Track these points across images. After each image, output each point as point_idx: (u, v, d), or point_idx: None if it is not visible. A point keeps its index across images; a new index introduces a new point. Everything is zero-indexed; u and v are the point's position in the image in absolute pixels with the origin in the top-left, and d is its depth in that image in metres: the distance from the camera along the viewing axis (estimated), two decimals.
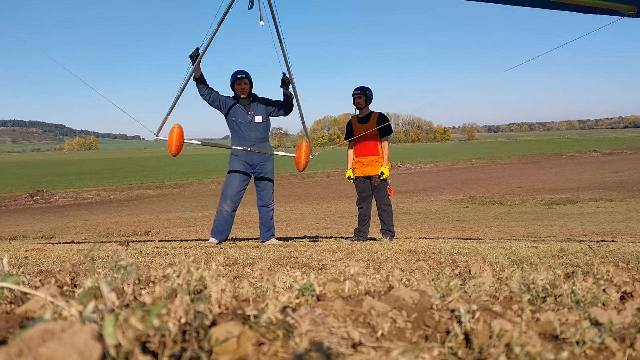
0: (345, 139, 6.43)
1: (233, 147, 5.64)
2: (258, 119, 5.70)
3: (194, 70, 5.31)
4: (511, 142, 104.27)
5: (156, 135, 5.19)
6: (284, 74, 5.70)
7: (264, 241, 5.70)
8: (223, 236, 5.71)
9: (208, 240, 5.78)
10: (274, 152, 5.93)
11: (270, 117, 5.87)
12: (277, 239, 5.98)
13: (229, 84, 5.78)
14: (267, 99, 5.85)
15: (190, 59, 5.30)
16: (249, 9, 4.65)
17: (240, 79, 5.62)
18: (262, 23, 4.71)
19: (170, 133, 5.11)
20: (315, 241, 5.90)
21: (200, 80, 5.49)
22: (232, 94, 5.77)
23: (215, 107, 5.72)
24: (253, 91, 5.80)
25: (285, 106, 5.85)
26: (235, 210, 5.77)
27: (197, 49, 5.25)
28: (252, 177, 5.80)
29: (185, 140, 5.20)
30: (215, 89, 5.62)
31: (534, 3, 4.23)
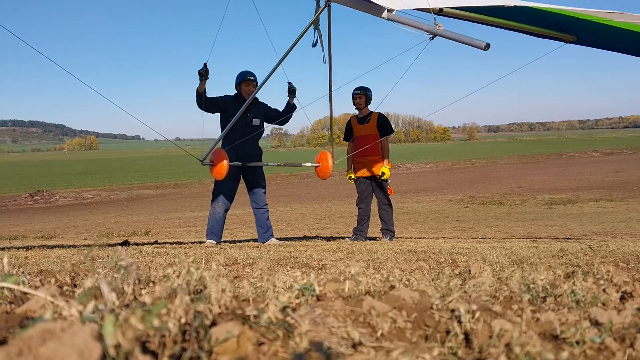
0: (345, 139, 6.44)
1: (269, 164, 5.74)
2: (255, 122, 5.69)
3: (200, 85, 5.35)
4: (511, 142, 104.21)
5: (202, 163, 5.29)
6: (289, 83, 5.77)
7: (263, 242, 5.71)
8: (218, 237, 5.74)
9: (205, 242, 5.80)
10: (303, 164, 6.09)
11: (264, 123, 5.89)
12: (277, 239, 5.99)
13: (234, 82, 5.75)
14: (268, 105, 5.87)
15: (199, 75, 5.31)
16: (313, 46, 4.97)
17: (249, 81, 5.62)
18: (325, 62, 5.13)
19: (219, 159, 5.14)
20: (315, 241, 5.90)
21: (202, 95, 5.44)
22: (230, 92, 5.79)
23: (218, 110, 5.70)
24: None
25: (283, 116, 5.89)
26: (227, 211, 5.79)
27: (205, 65, 5.30)
28: (242, 178, 5.80)
29: (230, 164, 5.28)
30: (210, 97, 5.55)
31: (496, 24, 4.57)
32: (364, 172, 6.17)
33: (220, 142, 5.43)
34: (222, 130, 5.74)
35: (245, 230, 9.70)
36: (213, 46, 5.25)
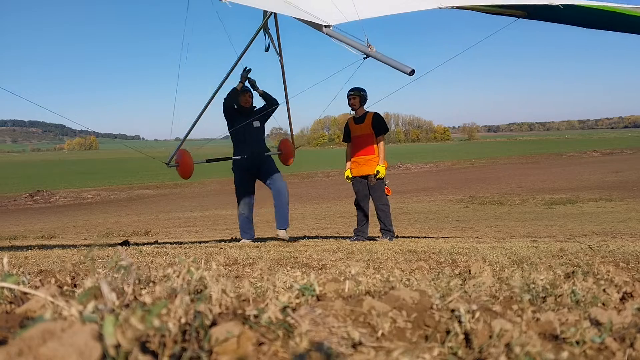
0: (343, 140, 6.56)
1: (234, 157, 6.23)
2: (256, 124, 6.24)
3: (239, 85, 6.09)
4: (511, 142, 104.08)
5: (168, 165, 5.53)
6: (249, 78, 6.25)
7: (278, 229, 6.09)
8: (250, 235, 6.25)
9: (241, 241, 6.23)
10: (266, 154, 6.44)
11: (266, 122, 6.44)
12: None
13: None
14: (261, 108, 6.36)
15: (242, 77, 6.07)
16: (265, 50, 5.39)
17: (244, 92, 6.22)
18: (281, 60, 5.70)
19: (183, 161, 5.56)
20: (315, 241, 5.92)
21: (234, 95, 6.10)
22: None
23: (226, 116, 6.28)
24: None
25: (267, 104, 6.38)
26: (252, 211, 6.29)
27: (247, 68, 6.01)
28: (258, 178, 6.25)
29: (195, 163, 5.70)
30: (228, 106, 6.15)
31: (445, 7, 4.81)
32: (360, 172, 6.22)
33: (184, 144, 5.93)
34: (232, 137, 6.28)
35: None
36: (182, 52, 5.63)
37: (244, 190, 6.20)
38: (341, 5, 3.98)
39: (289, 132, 7.12)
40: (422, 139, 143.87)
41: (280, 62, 5.75)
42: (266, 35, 5.27)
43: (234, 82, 6.16)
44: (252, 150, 6.12)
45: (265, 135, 6.54)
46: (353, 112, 6.29)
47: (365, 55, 4.05)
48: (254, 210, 6.38)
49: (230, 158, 6.22)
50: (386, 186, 6.23)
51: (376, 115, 6.20)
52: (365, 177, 6.19)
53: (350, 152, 6.33)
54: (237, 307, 0.98)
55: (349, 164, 6.37)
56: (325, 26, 3.88)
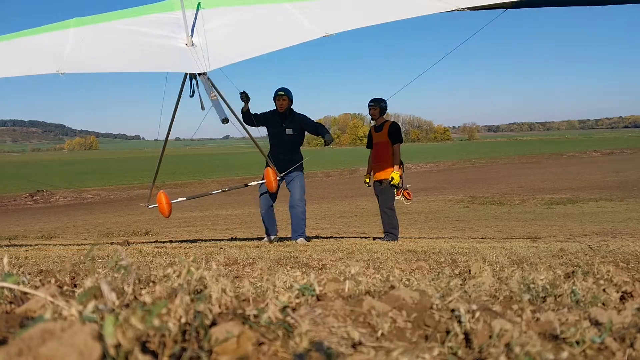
0: (367, 146, 6.96)
1: (213, 192, 6.73)
2: (289, 131, 6.28)
3: (245, 106, 6.20)
4: (511, 142, 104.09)
5: (147, 207, 5.90)
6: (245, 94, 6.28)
7: (295, 240, 6.08)
8: (271, 232, 6.31)
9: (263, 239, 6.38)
10: (248, 184, 6.78)
11: (305, 132, 6.47)
12: (278, 239, 6.15)
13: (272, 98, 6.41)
14: (306, 117, 6.40)
15: (242, 100, 6.17)
16: (190, 96, 5.39)
17: (280, 96, 6.29)
18: (203, 109, 5.57)
19: (159, 201, 5.77)
20: (315, 241, 5.94)
21: (246, 114, 6.19)
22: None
23: (260, 125, 6.41)
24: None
25: (315, 133, 6.48)
26: (271, 209, 6.34)
27: (245, 92, 6.17)
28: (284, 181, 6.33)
29: (172, 202, 5.91)
30: (255, 113, 6.27)
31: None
32: (377, 176, 6.57)
33: (154, 185, 6.18)
34: (269, 138, 6.43)
35: (246, 230, 9.70)
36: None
37: (264, 191, 6.23)
38: (227, 49, 4.32)
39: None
40: (422, 139, 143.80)
41: (224, 100, 6.00)
42: (192, 81, 5.37)
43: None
44: (282, 157, 6.14)
45: (264, 136, 6.54)
46: (374, 122, 6.68)
47: (213, 101, 4.48)
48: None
49: (210, 193, 6.51)
50: (406, 190, 6.57)
51: (393, 124, 6.58)
52: (381, 181, 6.55)
53: (372, 157, 6.78)
54: (237, 307, 0.98)
55: (370, 168, 6.82)
56: (200, 74, 4.23)
